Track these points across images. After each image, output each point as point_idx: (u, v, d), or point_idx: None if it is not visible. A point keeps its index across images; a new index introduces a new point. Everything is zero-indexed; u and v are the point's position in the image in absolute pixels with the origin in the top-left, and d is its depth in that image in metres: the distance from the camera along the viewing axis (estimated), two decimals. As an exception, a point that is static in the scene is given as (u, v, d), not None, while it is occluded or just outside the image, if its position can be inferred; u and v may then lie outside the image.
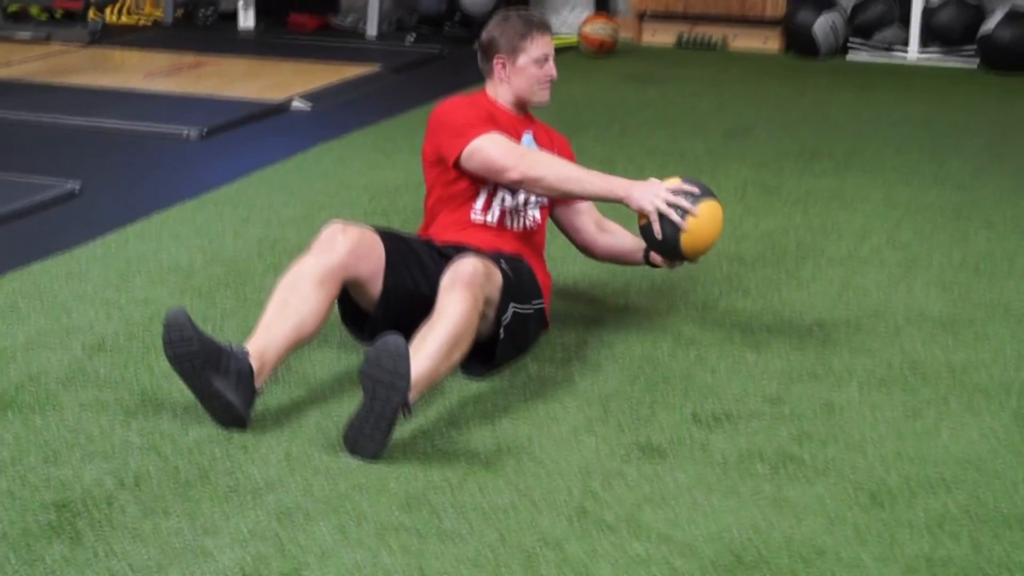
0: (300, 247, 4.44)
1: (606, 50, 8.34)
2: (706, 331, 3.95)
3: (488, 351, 3.58)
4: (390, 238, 3.67)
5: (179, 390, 3.42)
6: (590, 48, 8.35)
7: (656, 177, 3.72)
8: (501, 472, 3.08)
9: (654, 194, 3.62)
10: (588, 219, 4.07)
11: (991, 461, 3.19)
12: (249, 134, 6.32)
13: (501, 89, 3.91)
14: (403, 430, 3.23)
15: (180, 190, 5.26)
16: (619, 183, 3.69)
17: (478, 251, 3.65)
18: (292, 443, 3.20)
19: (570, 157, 3.93)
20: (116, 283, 4.24)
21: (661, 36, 8.77)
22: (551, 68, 3.89)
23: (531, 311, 3.70)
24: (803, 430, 3.33)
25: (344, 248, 3.50)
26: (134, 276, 4.31)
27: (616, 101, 7.10)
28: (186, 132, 6.13)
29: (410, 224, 4.83)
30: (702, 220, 3.61)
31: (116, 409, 3.36)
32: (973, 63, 8.14)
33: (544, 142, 3.92)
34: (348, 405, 3.38)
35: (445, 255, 3.71)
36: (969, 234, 4.86)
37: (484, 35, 3.94)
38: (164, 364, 3.57)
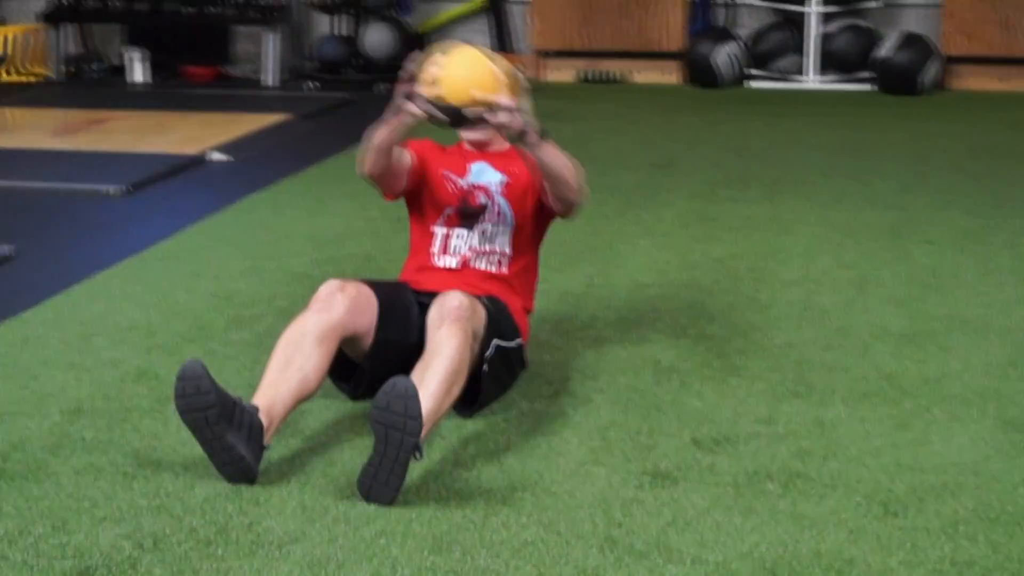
0: (255, 299, 4.47)
1: (511, 90, 8.40)
2: (683, 358, 4.00)
3: (472, 388, 3.57)
4: (382, 290, 3.66)
5: (172, 449, 3.38)
6: (495, 88, 8.40)
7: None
8: (521, 508, 3.08)
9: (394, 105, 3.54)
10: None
11: (985, 465, 3.28)
12: (173, 188, 6.26)
13: None
14: (412, 473, 3.21)
15: (118, 248, 5.20)
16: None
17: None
18: (303, 494, 3.17)
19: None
20: (77, 345, 4.16)
21: (562, 73, 8.87)
22: None
23: (513, 346, 3.71)
24: (801, 447, 3.39)
25: (343, 306, 3.50)
26: (93, 337, 4.23)
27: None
28: (109, 189, 6.04)
29: (361, 271, 4.84)
30: (448, 64, 3.46)
31: (113, 472, 3.29)
32: (868, 87, 8.35)
33: (500, 166, 3.87)
34: (349, 452, 3.37)
35: (423, 304, 3.70)
36: (910, 251, 4.99)
37: None
38: (150, 424, 3.56)
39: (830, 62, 8.45)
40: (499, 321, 3.65)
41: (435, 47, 3.57)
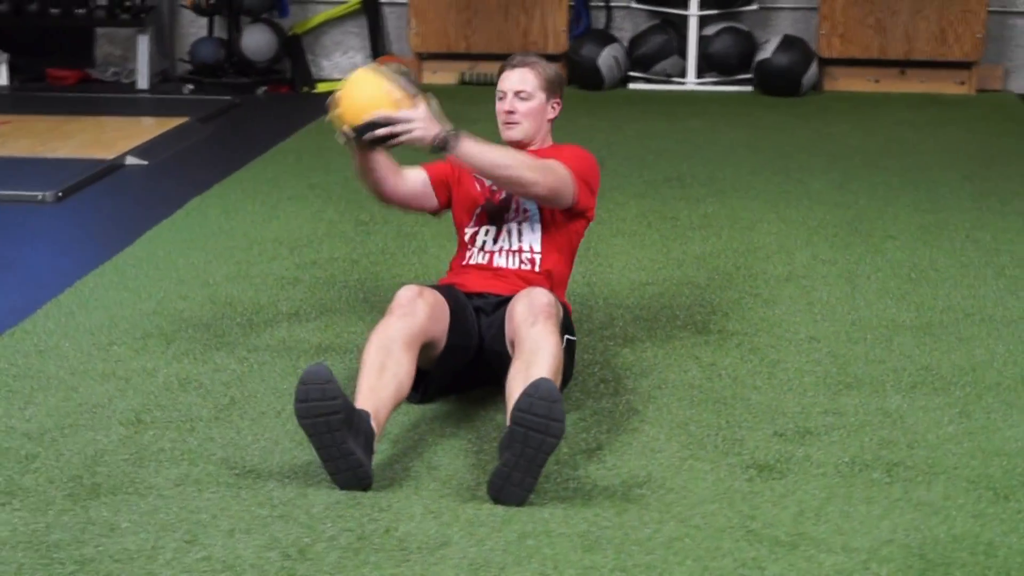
0: (258, 306, 4.38)
1: (400, 91, 8.35)
2: (719, 354, 4.07)
3: None
4: (449, 296, 3.64)
5: (260, 457, 3.33)
6: (384, 90, 8.33)
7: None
8: (646, 504, 3.11)
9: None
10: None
11: (1062, 446, 3.43)
12: (102, 193, 6.05)
13: None
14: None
15: (86, 255, 5.00)
16: None
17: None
18: (422, 498, 3.13)
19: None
20: (100, 355, 4.02)
21: (442, 75, 8.86)
22: (504, 104, 3.88)
23: (574, 340, 3.75)
24: (882, 437, 3.49)
25: (424, 312, 3.48)
26: (112, 347, 4.08)
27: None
28: (41, 195, 5.80)
29: (350, 274, 4.77)
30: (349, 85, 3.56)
31: (213, 483, 3.19)
32: (748, 88, 8.58)
33: None
34: (442, 455, 3.37)
35: (474, 306, 3.71)
36: (880, 247, 5.17)
37: None
38: (222, 432, 3.48)
39: (709, 64, 8.65)
40: (566, 316, 3.68)
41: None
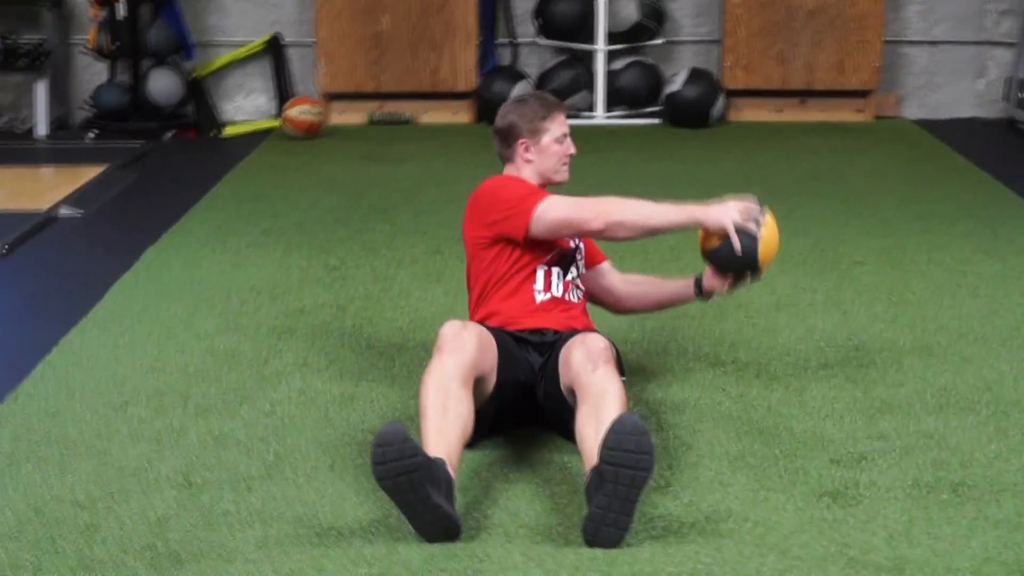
0: (261, 357, 4.27)
1: (313, 132, 8.28)
2: (742, 384, 4.11)
3: None
4: (492, 332, 3.62)
5: (332, 513, 3.26)
6: (298, 131, 8.26)
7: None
8: (742, 538, 3.12)
9: (728, 211, 3.77)
10: (615, 277, 4.16)
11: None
12: (47, 246, 5.87)
13: (526, 172, 3.94)
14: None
15: (57, 314, 4.84)
16: (694, 208, 3.81)
17: (568, 332, 3.69)
18: (515, 546, 3.10)
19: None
20: (119, 416, 3.89)
21: (350, 115, 8.79)
22: (570, 145, 3.95)
23: (625, 380, 3.76)
24: (933, 458, 3.56)
25: (472, 345, 3.46)
26: (129, 407, 3.95)
27: (388, 182, 7.04)
28: (-7, 250, 5.61)
29: (342, 319, 4.71)
30: (770, 228, 3.82)
31: (296, 543, 3.12)
32: (656, 121, 8.69)
33: None
34: (516, 499, 3.35)
35: (525, 341, 3.71)
36: (852, 272, 5.28)
37: (501, 121, 3.96)
38: (285, 491, 3.39)
39: (618, 98, 8.74)
40: (619, 356, 3.68)
41: (759, 203, 3.88)
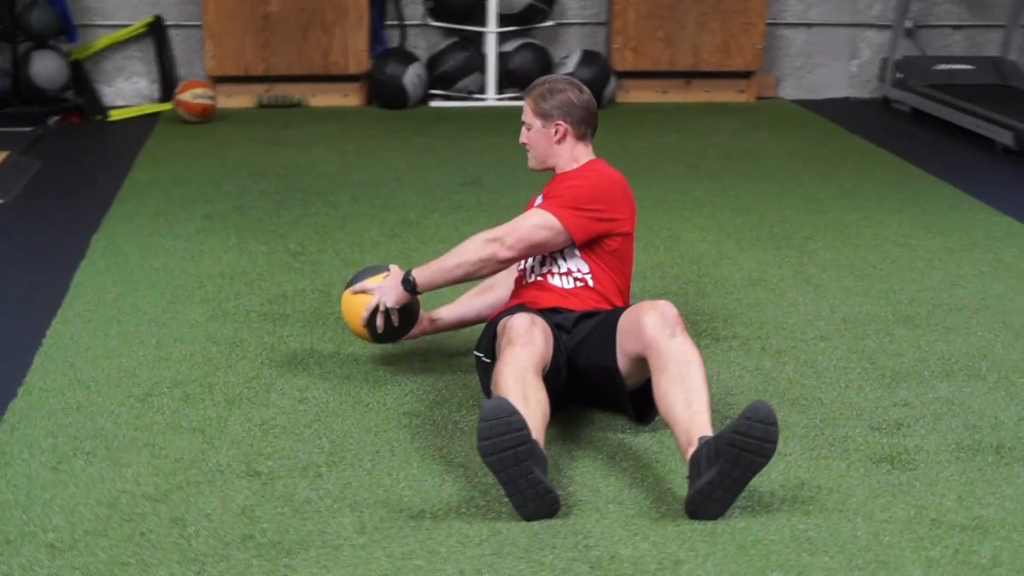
0: (262, 345, 4.33)
1: (207, 116, 8.13)
2: (758, 359, 4.23)
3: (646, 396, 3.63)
4: (546, 319, 3.66)
5: (417, 497, 3.26)
6: (192, 115, 8.10)
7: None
8: (824, 505, 3.24)
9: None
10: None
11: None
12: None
13: None
14: (681, 486, 3.27)
15: (27, 308, 4.70)
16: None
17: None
18: (610, 520, 3.16)
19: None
20: (141, 406, 3.81)
21: (238, 99, 8.65)
22: (522, 135, 3.98)
23: None
24: (964, 422, 3.75)
25: (542, 339, 3.52)
26: (150, 397, 3.88)
27: (308, 166, 6.96)
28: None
29: (325, 304, 4.67)
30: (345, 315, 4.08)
31: (396, 527, 3.12)
32: (546, 102, 8.76)
33: (545, 191, 3.98)
34: (592, 476, 3.38)
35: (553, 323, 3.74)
36: (808, 248, 5.45)
37: None
38: (356, 475, 3.38)
39: (510, 80, 8.79)
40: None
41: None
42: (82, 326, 4.46)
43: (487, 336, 3.75)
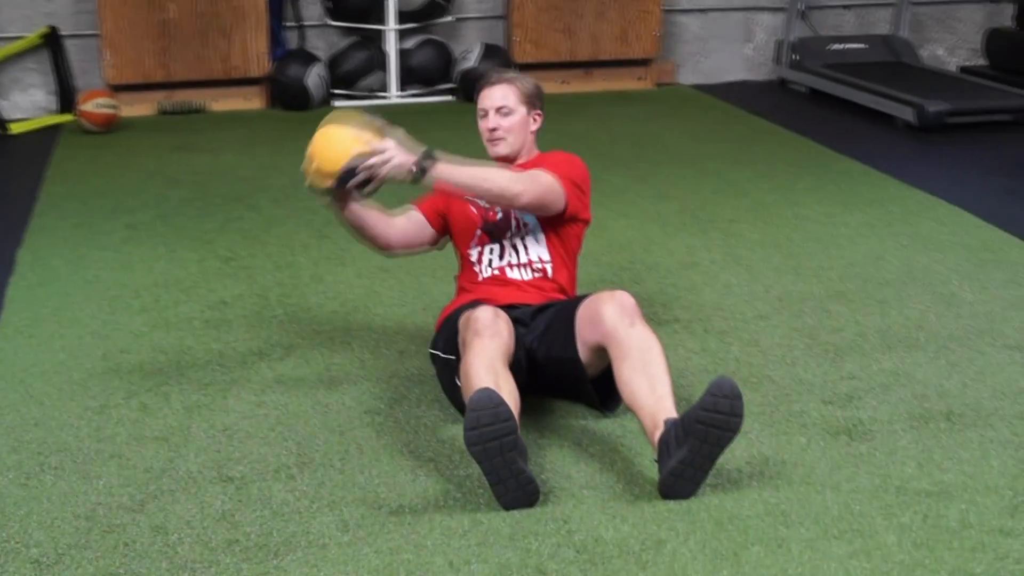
0: (215, 351, 4.28)
1: (111, 125, 8.04)
2: (701, 341, 4.32)
3: (609, 385, 3.69)
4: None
5: (392, 495, 3.29)
6: (95, 125, 8.00)
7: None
8: (791, 479, 3.33)
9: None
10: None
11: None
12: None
13: None
14: (650, 468, 3.34)
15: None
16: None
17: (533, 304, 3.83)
18: (587, 505, 3.22)
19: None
20: (99, 419, 3.78)
21: (139, 107, 8.56)
22: (487, 122, 3.97)
23: None
24: (912, 392, 3.89)
25: (506, 330, 3.57)
26: (108, 409, 3.85)
27: (222, 172, 6.91)
28: None
29: (266, 310, 4.67)
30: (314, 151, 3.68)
31: (378, 525, 3.15)
32: (450, 98, 8.82)
33: None
34: (561, 464, 3.44)
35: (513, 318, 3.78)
36: (732, 231, 5.57)
37: None
38: (329, 475, 3.41)
39: (411, 77, 8.81)
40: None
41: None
42: (24, 342, 4.41)
43: (446, 332, 3.77)
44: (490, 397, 3.12)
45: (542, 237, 3.95)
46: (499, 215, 3.96)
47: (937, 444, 3.51)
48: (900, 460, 3.42)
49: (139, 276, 5.10)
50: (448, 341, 3.74)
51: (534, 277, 3.92)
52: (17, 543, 3.07)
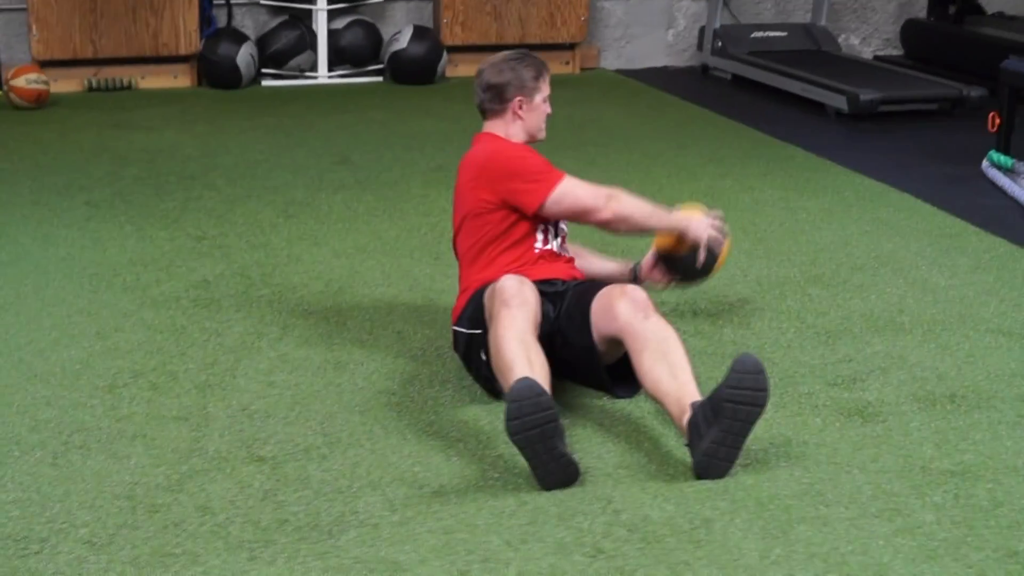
0: (211, 331, 4.26)
1: (42, 102, 7.88)
2: (696, 323, 4.40)
3: (623, 372, 3.75)
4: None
5: (431, 476, 3.32)
6: (26, 101, 7.83)
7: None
8: (818, 459, 3.43)
9: (706, 226, 4.02)
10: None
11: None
12: None
13: (514, 128, 4.01)
14: (679, 449, 3.42)
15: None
16: (680, 216, 4.04)
17: (580, 283, 3.86)
18: (627, 485, 3.28)
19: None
20: (112, 399, 3.75)
21: (66, 83, 8.40)
22: (547, 106, 4.06)
23: None
24: (910, 375, 3.99)
25: (533, 298, 3.60)
26: (118, 388, 3.82)
27: (168, 150, 6.82)
28: None
29: (252, 289, 4.65)
30: (727, 245, 4.12)
31: (425, 505, 3.17)
32: (378, 79, 8.80)
33: None
34: (594, 445, 3.49)
35: (541, 292, 3.80)
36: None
37: (496, 77, 4.02)
38: (362, 456, 3.43)
39: (341, 57, 8.77)
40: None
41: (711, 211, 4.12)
42: (12, 319, 4.34)
43: (470, 309, 3.79)
44: (531, 387, 3.16)
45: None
46: None
47: (949, 426, 3.63)
48: (917, 441, 3.53)
49: (112, 254, 5.03)
50: (472, 317, 3.76)
51: (565, 255, 3.99)
52: (63, 523, 3.05)
